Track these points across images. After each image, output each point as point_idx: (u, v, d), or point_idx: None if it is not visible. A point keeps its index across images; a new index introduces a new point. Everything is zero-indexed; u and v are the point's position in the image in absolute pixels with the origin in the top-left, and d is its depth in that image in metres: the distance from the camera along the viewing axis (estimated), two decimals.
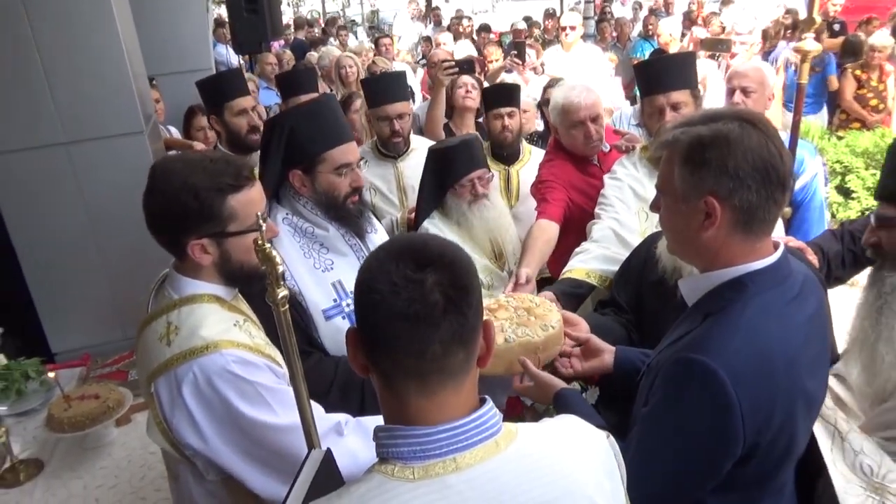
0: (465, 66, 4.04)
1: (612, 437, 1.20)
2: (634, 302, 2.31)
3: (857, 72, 6.60)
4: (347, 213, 2.20)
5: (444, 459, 1.00)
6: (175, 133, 4.51)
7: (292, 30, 12.89)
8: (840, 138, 5.82)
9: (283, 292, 1.33)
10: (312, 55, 8.19)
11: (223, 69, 6.95)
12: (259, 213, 1.47)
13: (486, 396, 1.08)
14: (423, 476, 0.98)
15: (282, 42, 10.85)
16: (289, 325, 1.36)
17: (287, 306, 1.35)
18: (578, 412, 1.56)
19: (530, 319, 1.96)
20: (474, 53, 7.46)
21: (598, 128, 2.99)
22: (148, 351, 1.66)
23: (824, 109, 7.07)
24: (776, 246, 1.39)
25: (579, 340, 1.97)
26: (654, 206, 1.47)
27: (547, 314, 2.02)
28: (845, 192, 5.20)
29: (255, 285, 1.76)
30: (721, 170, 1.29)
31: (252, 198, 1.67)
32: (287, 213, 2.19)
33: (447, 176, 2.71)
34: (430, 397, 1.02)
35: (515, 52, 5.56)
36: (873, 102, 6.55)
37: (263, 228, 1.38)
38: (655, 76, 2.54)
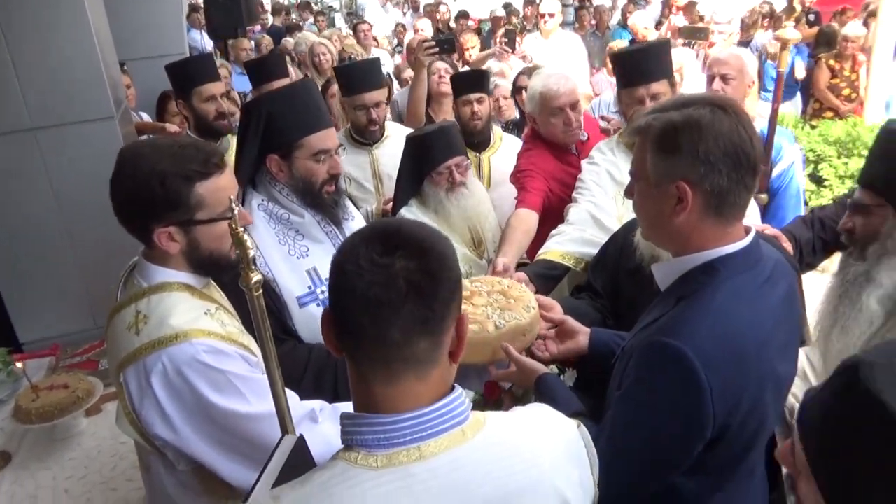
0: (446, 45, 3.98)
1: (583, 427, 1.20)
2: (610, 288, 2.32)
3: (831, 62, 6.68)
4: (322, 201, 2.18)
5: (408, 448, 0.99)
6: (147, 119, 4.43)
7: (270, 15, 12.71)
8: (814, 127, 5.88)
9: (256, 277, 1.31)
10: (288, 41, 8.08)
11: (197, 55, 6.85)
12: (231, 198, 1.45)
13: (456, 385, 1.08)
14: (386, 464, 0.98)
15: (258, 28, 10.71)
16: (262, 311, 1.34)
17: (261, 291, 1.33)
18: (559, 396, 1.58)
19: (510, 302, 1.95)
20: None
21: (577, 115, 2.98)
22: (117, 340, 1.62)
23: (798, 97, 7.14)
24: (747, 230, 1.40)
25: (555, 322, 1.97)
26: (629, 192, 1.46)
27: (523, 295, 2.02)
28: (818, 180, 5.26)
29: (225, 274, 1.73)
30: (692, 155, 1.29)
31: (221, 185, 1.63)
32: (263, 200, 2.16)
33: (424, 163, 2.68)
34: (394, 384, 1.01)
35: (507, 40, 5.48)
36: (846, 92, 6.64)
37: (236, 213, 1.37)
38: (634, 68, 2.53)
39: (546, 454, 1.07)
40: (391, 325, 0.97)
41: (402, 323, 0.97)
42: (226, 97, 3.46)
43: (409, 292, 0.96)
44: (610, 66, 6.18)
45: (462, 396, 1.06)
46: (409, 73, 5.11)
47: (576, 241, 2.58)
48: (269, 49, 7.62)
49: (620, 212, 2.64)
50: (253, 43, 8.06)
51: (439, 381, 1.04)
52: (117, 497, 2.28)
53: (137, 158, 1.57)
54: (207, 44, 8.07)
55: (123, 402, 1.60)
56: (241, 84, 6.67)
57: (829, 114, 6.62)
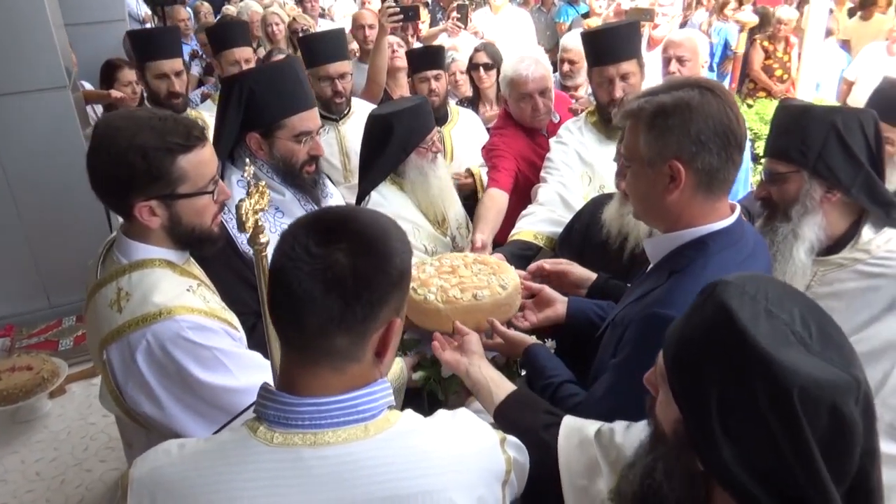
0: (411, 12, 3.96)
1: (509, 441, 1.21)
2: (577, 262, 2.40)
3: (765, 43, 6.96)
4: (303, 181, 2.18)
5: (305, 432, 1.01)
6: (90, 89, 4.22)
7: None
8: (750, 106, 6.13)
9: (265, 238, 1.33)
10: (229, 8, 7.81)
11: (133, 22, 6.57)
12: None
13: (383, 380, 1.08)
14: (281, 443, 1.01)
15: None
16: (266, 271, 1.32)
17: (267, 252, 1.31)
18: (549, 365, 1.65)
19: (496, 267, 2.01)
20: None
21: (547, 101, 3.02)
22: (98, 318, 1.61)
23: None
24: (732, 208, 1.49)
25: (533, 291, 2.03)
26: (621, 174, 1.53)
27: (501, 262, 2.08)
28: (755, 157, 5.52)
29: (206, 248, 1.73)
30: (684, 135, 1.36)
31: (203, 158, 1.62)
32: (242, 175, 2.13)
33: (412, 137, 2.61)
34: (308, 369, 1.03)
35: (458, 16, 5.46)
36: (779, 73, 6.93)
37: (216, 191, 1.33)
38: (607, 47, 2.59)
39: (449, 464, 1.06)
40: (308, 315, 0.98)
41: (319, 316, 0.98)
42: (182, 75, 3.32)
43: (332, 290, 0.97)
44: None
45: (375, 394, 1.06)
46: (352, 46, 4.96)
47: (546, 221, 2.65)
48: (210, 16, 7.35)
49: (587, 191, 2.73)
50: (191, 11, 7.77)
51: (357, 376, 1.04)
52: (92, 478, 2.25)
53: (115, 131, 1.54)
54: (143, 10, 7.71)
55: (107, 379, 1.59)
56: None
57: (763, 93, 6.92)
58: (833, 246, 1.87)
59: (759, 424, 0.84)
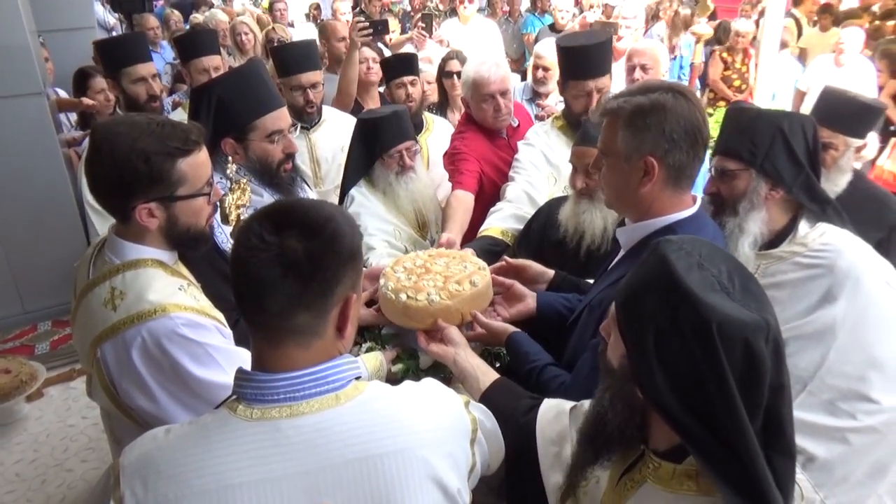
0: (380, 26, 4.05)
1: (473, 404, 1.31)
2: (536, 259, 2.49)
3: (724, 54, 7.21)
4: (280, 181, 2.24)
5: (281, 406, 1.09)
6: (64, 96, 4.20)
7: None
8: (710, 114, 6.34)
9: None
10: (196, 17, 7.80)
11: (101, 31, 6.53)
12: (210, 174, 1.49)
13: (348, 355, 1.17)
14: (260, 417, 1.09)
15: (161, 1, 10.22)
16: None
17: None
18: (531, 350, 1.75)
19: (459, 257, 2.09)
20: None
21: (507, 102, 3.11)
22: (92, 316, 1.64)
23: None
24: (694, 199, 1.63)
25: (504, 285, 2.11)
26: (595, 166, 1.63)
27: (470, 257, 2.15)
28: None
29: (199, 248, 1.78)
30: (659, 133, 1.49)
31: (200, 161, 1.68)
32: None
33: (376, 146, 2.72)
34: (275, 348, 1.11)
35: (423, 26, 5.56)
36: (737, 83, 7.18)
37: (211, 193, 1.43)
38: (585, 63, 2.70)
39: (418, 424, 1.13)
40: (269, 298, 1.06)
41: (279, 297, 1.06)
42: (157, 78, 3.36)
43: (289, 272, 1.05)
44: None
45: (343, 366, 1.14)
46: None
47: (512, 218, 2.75)
48: (180, 24, 7.35)
49: (552, 191, 2.84)
50: (159, 19, 7.74)
51: (321, 350, 1.13)
52: (74, 477, 2.27)
53: (115, 136, 1.59)
54: (110, 18, 7.66)
55: (101, 376, 1.63)
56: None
57: (722, 103, 7.14)
58: (773, 240, 1.99)
59: (686, 354, 0.99)
